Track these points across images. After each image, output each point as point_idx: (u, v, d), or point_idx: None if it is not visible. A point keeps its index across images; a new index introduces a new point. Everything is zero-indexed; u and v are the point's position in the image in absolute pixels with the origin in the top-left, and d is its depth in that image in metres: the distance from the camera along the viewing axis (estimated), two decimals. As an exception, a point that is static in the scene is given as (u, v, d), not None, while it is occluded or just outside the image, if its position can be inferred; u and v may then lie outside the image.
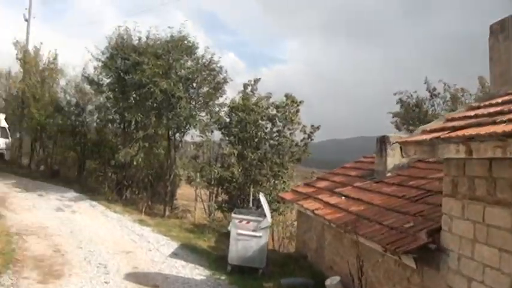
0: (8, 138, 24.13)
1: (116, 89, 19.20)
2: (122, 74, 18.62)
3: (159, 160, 19.68)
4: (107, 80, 19.85)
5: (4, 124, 23.52)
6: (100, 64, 19.30)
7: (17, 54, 27.30)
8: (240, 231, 10.65)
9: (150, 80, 16.62)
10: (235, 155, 17.56)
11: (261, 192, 13.54)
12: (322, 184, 12.31)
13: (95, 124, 23.63)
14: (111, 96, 19.65)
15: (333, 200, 10.12)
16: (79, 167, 24.41)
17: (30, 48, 27.93)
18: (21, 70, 27.39)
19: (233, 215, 11.24)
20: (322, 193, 11.18)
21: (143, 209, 16.94)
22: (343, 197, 10.02)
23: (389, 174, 10.23)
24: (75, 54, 70.51)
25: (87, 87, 22.42)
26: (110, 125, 21.93)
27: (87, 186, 21.54)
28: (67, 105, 23.95)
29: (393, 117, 21.37)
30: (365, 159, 13.05)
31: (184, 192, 21.45)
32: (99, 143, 22.64)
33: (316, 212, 9.90)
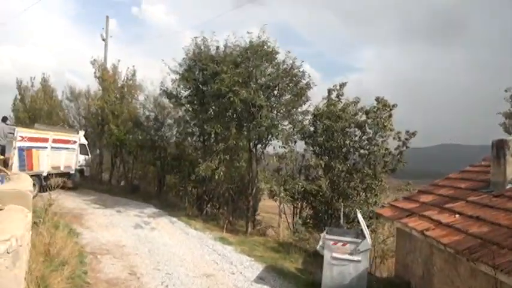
0: (87, 154, 24.40)
1: (195, 101, 18.74)
2: (200, 85, 18.11)
3: (240, 173, 18.75)
4: (185, 93, 19.38)
5: (83, 141, 23.78)
6: (178, 77, 18.74)
7: (95, 73, 27.81)
8: (335, 254, 9.14)
9: (229, 89, 15.69)
10: (322, 166, 16.21)
11: (357, 209, 11.98)
12: (426, 198, 10.67)
13: (174, 138, 23.33)
14: (190, 108, 19.24)
15: (445, 218, 8.54)
16: (159, 182, 24.36)
17: (108, 66, 28.35)
18: (100, 88, 27.81)
19: (326, 235, 9.64)
20: (429, 209, 9.60)
21: (225, 226, 15.99)
22: (456, 215, 8.42)
23: (510, 186, 8.59)
24: (153, 73, 72.46)
25: (166, 101, 22.18)
26: (189, 138, 21.45)
27: (166, 201, 21.21)
28: (146, 120, 23.96)
29: (506, 119, 18.70)
30: (472, 169, 11.41)
31: (264, 205, 20.58)
32: (178, 157, 22.36)
33: (426, 233, 8.29)
